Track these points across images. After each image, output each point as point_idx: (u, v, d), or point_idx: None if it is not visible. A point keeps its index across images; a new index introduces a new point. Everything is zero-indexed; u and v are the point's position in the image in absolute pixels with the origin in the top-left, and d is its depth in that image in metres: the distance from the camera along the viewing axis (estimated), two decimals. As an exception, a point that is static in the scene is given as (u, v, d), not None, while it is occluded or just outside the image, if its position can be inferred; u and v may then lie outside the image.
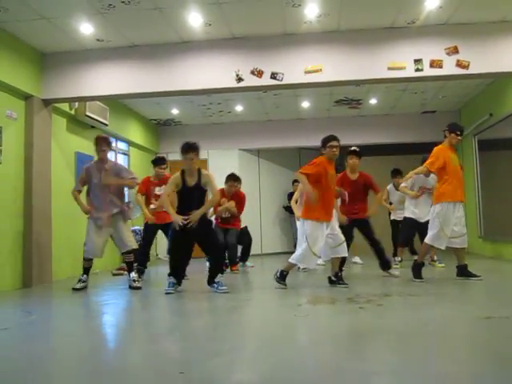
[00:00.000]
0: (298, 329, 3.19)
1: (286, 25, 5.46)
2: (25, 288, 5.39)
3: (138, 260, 5.93)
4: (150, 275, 6.39)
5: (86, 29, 5.31)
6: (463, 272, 5.03)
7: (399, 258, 6.54)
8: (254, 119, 9.59)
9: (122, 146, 8.48)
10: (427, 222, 5.18)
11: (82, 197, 5.21)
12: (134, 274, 5.20)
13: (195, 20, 5.23)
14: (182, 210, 4.66)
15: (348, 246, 5.07)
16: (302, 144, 9.75)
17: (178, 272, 4.79)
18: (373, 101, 8.44)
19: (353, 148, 5.64)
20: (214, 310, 4.22)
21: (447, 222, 4.86)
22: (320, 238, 4.60)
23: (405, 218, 6.38)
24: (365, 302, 3.85)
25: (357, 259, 7.39)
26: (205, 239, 4.74)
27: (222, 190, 6.66)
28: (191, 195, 4.68)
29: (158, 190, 5.92)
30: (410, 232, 6.37)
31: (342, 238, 4.83)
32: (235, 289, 4.91)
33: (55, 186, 6.08)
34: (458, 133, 5.01)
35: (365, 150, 6.17)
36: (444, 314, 3.44)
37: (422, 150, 9.77)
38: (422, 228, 5.78)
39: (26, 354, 2.67)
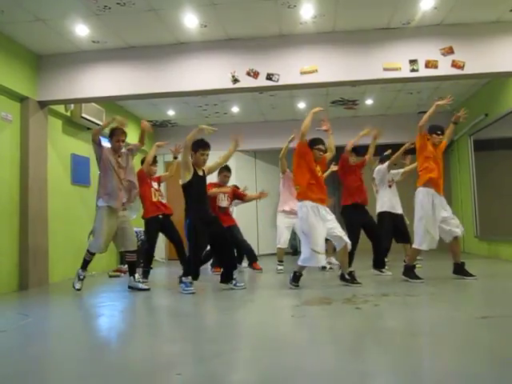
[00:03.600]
0: (295, 329, 3.18)
1: (282, 26, 5.46)
2: (21, 290, 5.37)
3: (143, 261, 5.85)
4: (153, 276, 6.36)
5: (82, 30, 5.30)
6: (459, 271, 5.06)
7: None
8: (250, 120, 9.59)
9: (118, 147, 8.44)
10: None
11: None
12: (137, 276, 5.21)
13: (190, 21, 5.23)
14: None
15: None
16: (298, 145, 9.76)
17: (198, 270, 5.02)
18: (369, 101, 8.45)
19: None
20: (210, 311, 4.22)
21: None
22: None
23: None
24: (362, 303, 3.86)
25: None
26: (219, 238, 4.92)
27: (214, 184, 6.70)
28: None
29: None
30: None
31: None
32: (232, 290, 4.91)
33: (51, 188, 6.06)
34: (439, 132, 5.27)
35: (361, 151, 6.20)
36: (441, 314, 3.45)
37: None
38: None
39: (23, 356, 2.66)
